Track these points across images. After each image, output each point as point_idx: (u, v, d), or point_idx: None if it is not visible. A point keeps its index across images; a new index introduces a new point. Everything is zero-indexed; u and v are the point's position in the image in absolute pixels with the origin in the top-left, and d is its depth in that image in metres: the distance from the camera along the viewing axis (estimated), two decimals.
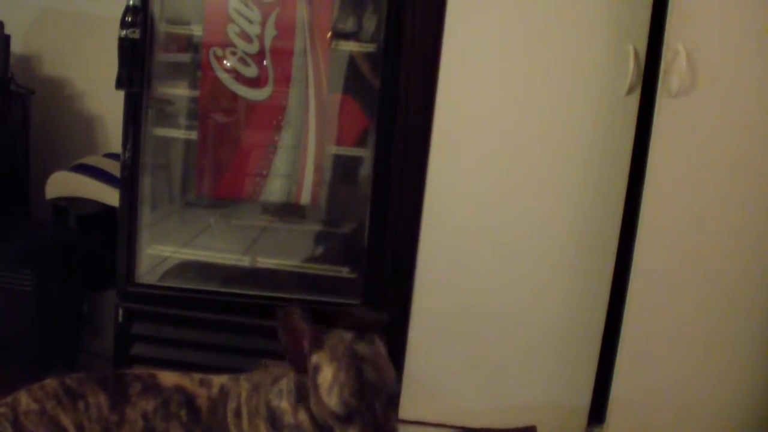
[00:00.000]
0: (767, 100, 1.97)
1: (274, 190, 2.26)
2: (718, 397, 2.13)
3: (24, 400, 1.32)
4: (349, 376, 1.19)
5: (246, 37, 2.16)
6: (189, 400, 1.38)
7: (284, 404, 1.32)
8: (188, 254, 2.38)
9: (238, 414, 1.35)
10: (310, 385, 1.25)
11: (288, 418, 1.30)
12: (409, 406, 2.19)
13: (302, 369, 1.26)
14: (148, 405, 1.36)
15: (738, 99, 1.97)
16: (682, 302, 2.08)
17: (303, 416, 1.29)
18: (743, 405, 2.14)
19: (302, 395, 1.29)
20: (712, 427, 2.15)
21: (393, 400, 1.22)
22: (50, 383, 1.36)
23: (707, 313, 2.08)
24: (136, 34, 2.07)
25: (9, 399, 1.33)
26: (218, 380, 1.42)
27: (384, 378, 1.22)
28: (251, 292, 2.21)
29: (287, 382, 1.33)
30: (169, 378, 1.41)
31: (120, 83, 2.09)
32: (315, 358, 1.24)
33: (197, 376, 1.43)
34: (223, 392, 1.40)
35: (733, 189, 2.02)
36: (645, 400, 2.12)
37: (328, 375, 1.21)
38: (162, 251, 2.33)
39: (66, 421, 1.31)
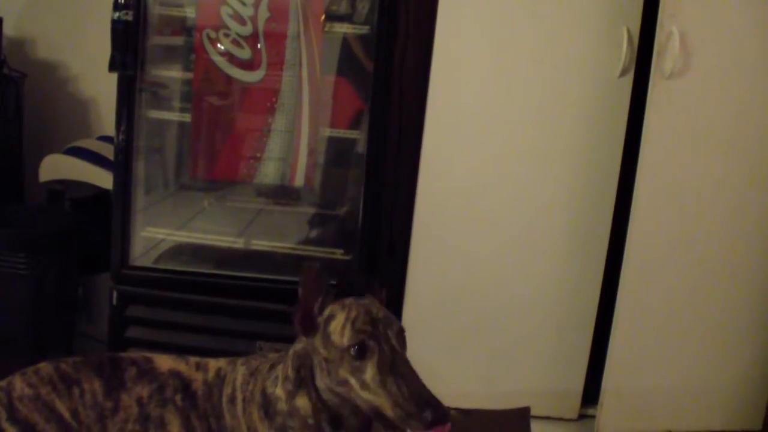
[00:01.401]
0: (760, 82, 1.98)
1: (268, 172, 2.26)
2: (708, 378, 2.14)
3: (19, 384, 1.32)
4: (360, 312, 1.22)
5: (239, 19, 2.15)
6: (185, 385, 1.37)
7: (279, 390, 1.30)
8: (183, 237, 2.38)
9: (232, 400, 1.35)
10: (318, 349, 1.25)
11: (281, 405, 1.29)
12: None
13: (310, 328, 1.27)
14: (144, 390, 1.36)
15: (731, 80, 1.98)
16: (675, 286, 2.09)
17: (302, 401, 1.28)
18: (734, 385, 2.16)
19: (303, 378, 1.28)
20: (703, 407, 2.17)
21: (402, 333, 1.24)
22: (45, 368, 1.36)
23: (699, 297, 2.09)
24: (129, 17, 2.06)
25: (3, 383, 1.33)
26: (215, 364, 1.42)
27: (391, 316, 1.26)
28: (246, 275, 2.21)
29: (284, 369, 1.32)
30: (165, 362, 1.41)
31: (113, 66, 2.09)
32: (328, 310, 1.26)
33: (193, 359, 1.43)
34: (219, 377, 1.39)
35: (726, 170, 2.02)
36: (639, 382, 2.13)
37: (340, 318, 1.23)
38: (156, 234, 2.33)
39: (61, 407, 1.31)
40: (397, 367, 1.17)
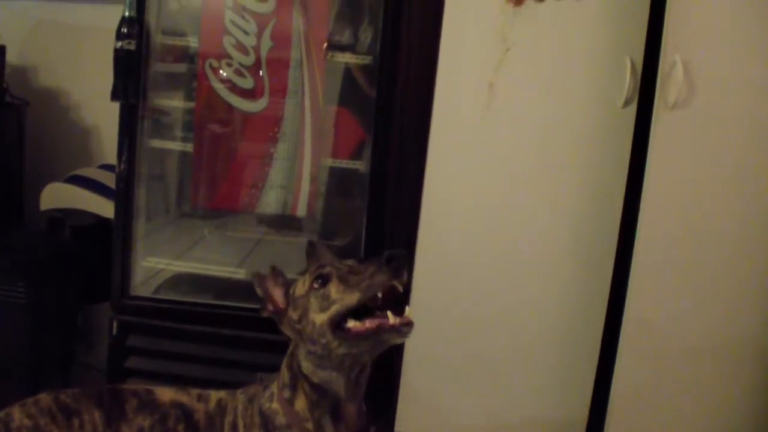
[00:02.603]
0: (765, 112, 1.97)
1: (270, 201, 2.26)
2: (718, 408, 2.12)
3: (17, 415, 1.30)
4: (311, 269, 1.31)
5: (242, 48, 2.15)
6: (187, 415, 1.37)
7: (274, 405, 1.30)
8: (183, 266, 2.37)
9: (234, 427, 1.34)
10: (292, 319, 1.30)
11: (279, 419, 1.29)
12: (406, 419, 2.18)
13: (281, 316, 1.33)
14: (145, 421, 1.35)
15: (736, 110, 1.97)
16: (681, 313, 2.07)
17: (300, 403, 1.28)
18: (743, 416, 2.13)
19: (295, 372, 1.30)
20: None
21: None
22: (44, 399, 1.34)
23: (706, 324, 2.07)
24: (131, 46, 2.07)
25: (2, 414, 1.32)
26: (216, 395, 1.42)
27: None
28: (247, 305, 2.19)
29: (279, 380, 1.33)
30: (166, 394, 1.40)
31: (115, 95, 2.09)
32: (291, 289, 1.33)
33: (195, 391, 1.42)
34: (221, 406, 1.39)
35: (731, 201, 2.01)
36: (645, 411, 2.11)
37: (299, 282, 1.31)
38: (157, 263, 2.32)
39: None
40: (355, 270, 1.23)
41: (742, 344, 2.09)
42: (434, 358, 2.19)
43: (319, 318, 1.23)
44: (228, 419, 1.36)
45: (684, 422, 2.13)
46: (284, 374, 1.32)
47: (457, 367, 2.20)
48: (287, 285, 1.34)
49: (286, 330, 1.33)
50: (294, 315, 1.28)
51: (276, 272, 1.36)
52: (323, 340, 1.23)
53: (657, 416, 2.11)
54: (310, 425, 1.28)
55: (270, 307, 1.34)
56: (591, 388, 2.17)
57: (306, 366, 1.28)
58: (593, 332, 2.15)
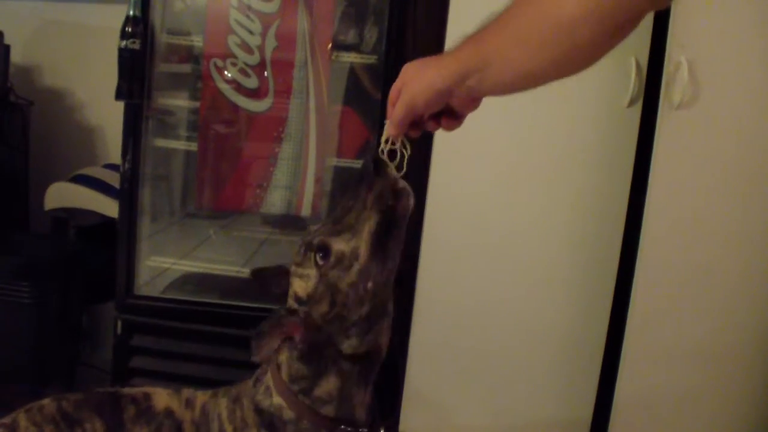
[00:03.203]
0: None
1: (275, 202, 2.25)
2: (723, 409, 2.11)
3: (23, 422, 1.30)
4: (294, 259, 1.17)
5: (247, 48, 2.15)
6: (177, 426, 1.34)
7: (277, 399, 1.19)
8: (188, 266, 2.37)
9: None
10: (320, 302, 1.13)
11: (287, 413, 1.18)
12: (411, 419, 2.18)
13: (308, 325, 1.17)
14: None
15: (740, 110, 1.97)
16: (686, 313, 2.06)
17: (329, 385, 1.16)
18: (748, 417, 2.13)
19: (321, 346, 1.15)
20: None
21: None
22: (48, 406, 1.34)
23: (710, 328, 2.07)
24: (136, 45, 2.07)
25: (8, 420, 1.31)
26: (201, 398, 1.34)
27: None
28: (252, 305, 2.19)
29: (271, 371, 1.21)
30: (161, 400, 1.37)
31: (120, 94, 2.09)
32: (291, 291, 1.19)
33: (185, 394, 1.36)
34: (204, 413, 1.32)
35: (736, 201, 2.01)
36: (649, 412, 2.11)
37: (294, 281, 1.16)
38: (162, 263, 2.32)
39: None
40: (343, 214, 1.13)
41: (747, 346, 2.09)
42: (439, 358, 2.19)
43: (356, 260, 1.10)
44: (213, 426, 1.29)
45: (688, 423, 2.13)
46: (291, 368, 1.18)
47: (462, 367, 2.20)
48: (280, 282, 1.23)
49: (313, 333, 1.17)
50: (319, 310, 1.13)
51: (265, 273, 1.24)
52: (370, 286, 1.11)
53: (662, 417, 2.11)
54: (329, 408, 1.17)
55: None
56: (595, 389, 2.17)
57: (349, 344, 1.14)
58: (598, 332, 2.15)
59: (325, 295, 1.12)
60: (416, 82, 1.09)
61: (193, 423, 1.32)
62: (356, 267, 1.10)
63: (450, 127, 1.17)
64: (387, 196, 1.10)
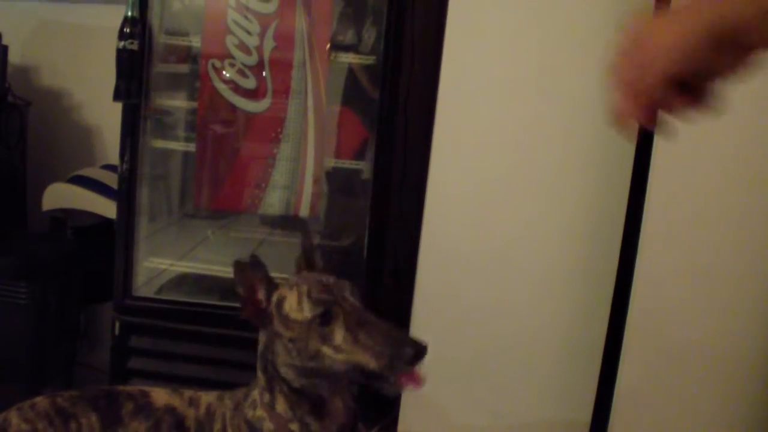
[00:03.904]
0: None
1: (273, 202, 2.25)
2: (723, 409, 2.11)
3: (15, 420, 1.30)
4: (310, 284, 1.20)
5: (245, 48, 2.15)
6: (179, 422, 1.35)
7: (259, 412, 1.26)
8: (186, 267, 2.36)
9: None
10: (281, 332, 1.21)
11: (267, 425, 1.24)
12: (409, 420, 2.18)
13: (262, 317, 1.24)
14: (140, 426, 1.33)
15: (743, 110, 1.95)
16: (686, 313, 2.06)
17: (281, 404, 1.23)
18: (749, 416, 2.13)
19: (270, 375, 1.25)
20: None
21: (356, 288, 1.23)
22: (42, 402, 1.34)
23: (712, 323, 2.06)
24: (134, 46, 2.06)
25: None
26: (206, 399, 1.39)
27: (340, 279, 1.25)
28: None
29: (258, 385, 1.28)
30: (161, 397, 1.38)
31: (118, 95, 2.09)
32: (276, 295, 1.23)
33: (188, 393, 1.40)
34: (209, 413, 1.35)
35: (736, 201, 2.00)
36: (649, 412, 2.11)
37: (293, 297, 1.20)
38: (159, 264, 2.32)
39: None
40: (363, 321, 1.15)
41: (748, 346, 2.08)
42: (437, 358, 2.17)
43: (338, 357, 1.15)
44: (217, 426, 1.32)
45: (688, 423, 2.12)
46: (260, 378, 1.27)
47: (461, 367, 2.20)
48: (269, 283, 1.25)
49: (264, 336, 1.27)
50: (285, 333, 1.20)
51: (257, 264, 1.25)
52: (315, 365, 1.18)
53: (662, 417, 2.11)
54: (294, 426, 1.23)
55: (252, 307, 1.25)
56: (595, 389, 2.17)
57: (286, 372, 1.22)
58: (597, 333, 2.15)
59: (292, 329, 1.19)
60: (668, 29, 0.72)
61: (197, 420, 1.35)
62: (339, 356, 1.15)
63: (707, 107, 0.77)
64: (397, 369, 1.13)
